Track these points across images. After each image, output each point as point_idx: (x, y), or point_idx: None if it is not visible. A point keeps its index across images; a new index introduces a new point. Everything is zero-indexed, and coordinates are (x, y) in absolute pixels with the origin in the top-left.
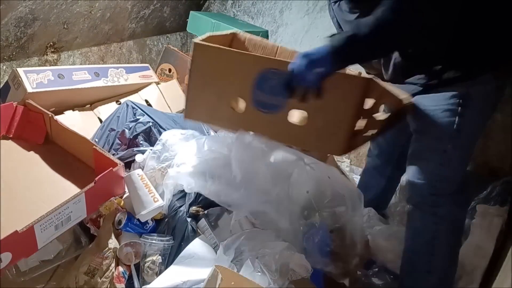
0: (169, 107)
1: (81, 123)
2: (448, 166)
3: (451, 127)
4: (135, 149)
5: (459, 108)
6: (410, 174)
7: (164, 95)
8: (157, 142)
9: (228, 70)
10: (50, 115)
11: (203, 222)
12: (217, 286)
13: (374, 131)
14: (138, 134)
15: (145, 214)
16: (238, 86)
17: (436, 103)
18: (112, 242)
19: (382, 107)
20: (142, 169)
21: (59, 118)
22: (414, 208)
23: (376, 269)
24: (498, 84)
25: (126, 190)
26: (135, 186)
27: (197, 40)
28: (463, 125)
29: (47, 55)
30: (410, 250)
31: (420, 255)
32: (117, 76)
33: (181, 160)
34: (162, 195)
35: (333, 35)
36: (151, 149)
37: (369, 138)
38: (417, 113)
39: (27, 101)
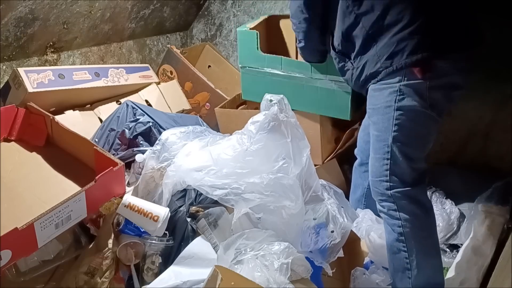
0: (169, 107)
1: (82, 123)
2: (394, 161)
3: (390, 122)
4: (135, 149)
5: (395, 104)
6: (369, 172)
7: (164, 95)
8: (157, 141)
9: None
10: (51, 117)
11: (203, 222)
12: (217, 286)
13: None
14: (138, 134)
15: (155, 232)
16: None
17: (377, 102)
18: (112, 242)
19: None
20: (142, 169)
21: (60, 118)
22: (378, 207)
23: (374, 267)
24: (432, 84)
25: (127, 190)
26: (131, 217)
27: None
28: (400, 119)
29: (47, 55)
30: (388, 250)
31: (396, 254)
32: (117, 76)
33: (182, 159)
34: (161, 195)
35: None
36: (151, 149)
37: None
38: (368, 113)
39: (28, 103)
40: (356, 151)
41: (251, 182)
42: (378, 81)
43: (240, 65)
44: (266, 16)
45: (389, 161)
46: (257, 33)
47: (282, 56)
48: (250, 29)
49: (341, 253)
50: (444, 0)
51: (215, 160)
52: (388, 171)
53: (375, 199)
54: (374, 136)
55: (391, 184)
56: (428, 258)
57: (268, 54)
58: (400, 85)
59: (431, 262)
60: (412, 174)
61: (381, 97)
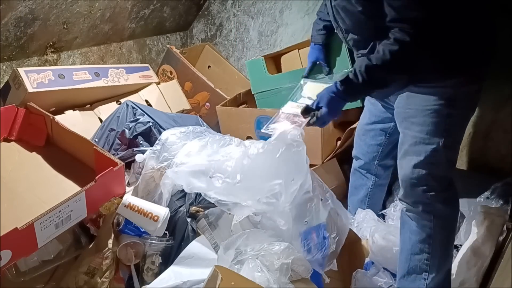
0: (169, 107)
1: (82, 123)
2: (438, 165)
3: (440, 127)
4: (135, 149)
5: (447, 108)
6: (402, 173)
7: (164, 95)
8: (157, 141)
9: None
10: (51, 117)
11: (203, 222)
12: (217, 286)
13: None
14: (138, 134)
15: (155, 232)
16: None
17: (425, 104)
18: (112, 242)
19: None
20: (142, 169)
21: (60, 118)
22: (409, 207)
23: (374, 268)
24: (478, 87)
25: (127, 190)
26: (131, 217)
27: None
28: (450, 125)
29: (47, 55)
30: (406, 250)
31: (417, 255)
32: (117, 76)
33: (181, 159)
34: (161, 195)
35: (344, 78)
36: (151, 149)
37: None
38: (406, 114)
39: (28, 103)
40: (355, 154)
41: (246, 196)
42: (425, 82)
43: (253, 93)
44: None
45: (432, 165)
46: (262, 59)
47: (287, 71)
48: (257, 57)
49: (334, 266)
50: (486, 10)
51: (211, 177)
52: (430, 175)
53: (407, 199)
54: (415, 139)
55: (430, 186)
56: (446, 262)
57: (276, 74)
58: (454, 89)
59: (446, 267)
60: (449, 177)
61: (429, 99)
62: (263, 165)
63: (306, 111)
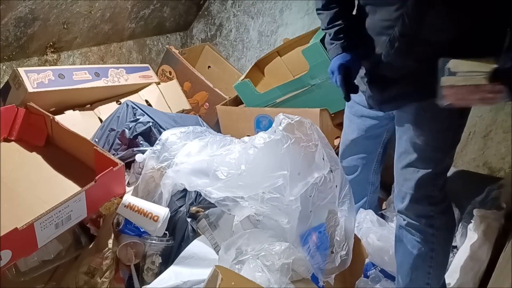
0: (169, 107)
1: (82, 123)
2: (442, 176)
3: (450, 138)
4: (135, 149)
5: (459, 120)
6: (407, 185)
7: (164, 95)
8: (157, 141)
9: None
10: (51, 117)
11: (203, 222)
12: (217, 286)
13: None
14: (138, 134)
15: (155, 232)
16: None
17: (438, 115)
18: (112, 242)
19: None
20: (142, 169)
21: (60, 118)
22: (410, 221)
23: (373, 272)
24: None
25: (127, 190)
26: (131, 217)
27: None
28: (458, 135)
29: (47, 55)
30: (407, 264)
31: (419, 269)
32: (117, 76)
33: (182, 159)
34: (161, 195)
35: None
36: (151, 149)
37: None
38: (417, 123)
39: (28, 103)
40: (348, 166)
41: (248, 196)
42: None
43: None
44: (253, 64)
45: (437, 175)
46: (248, 80)
47: (277, 85)
48: (242, 80)
49: (331, 280)
50: None
51: (214, 171)
52: (435, 186)
53: (408, 212)
54: (424, 152)
55: (434, 197)
56: (444, 272)
57: (265, 91)
58: None
59: (444, 275)
60: (446, 186)
61: (443, 110)
62: (268, 155)
63: (496, 77)
